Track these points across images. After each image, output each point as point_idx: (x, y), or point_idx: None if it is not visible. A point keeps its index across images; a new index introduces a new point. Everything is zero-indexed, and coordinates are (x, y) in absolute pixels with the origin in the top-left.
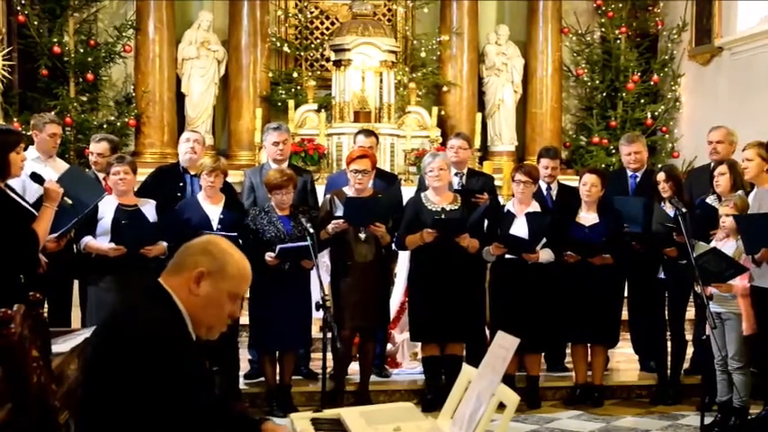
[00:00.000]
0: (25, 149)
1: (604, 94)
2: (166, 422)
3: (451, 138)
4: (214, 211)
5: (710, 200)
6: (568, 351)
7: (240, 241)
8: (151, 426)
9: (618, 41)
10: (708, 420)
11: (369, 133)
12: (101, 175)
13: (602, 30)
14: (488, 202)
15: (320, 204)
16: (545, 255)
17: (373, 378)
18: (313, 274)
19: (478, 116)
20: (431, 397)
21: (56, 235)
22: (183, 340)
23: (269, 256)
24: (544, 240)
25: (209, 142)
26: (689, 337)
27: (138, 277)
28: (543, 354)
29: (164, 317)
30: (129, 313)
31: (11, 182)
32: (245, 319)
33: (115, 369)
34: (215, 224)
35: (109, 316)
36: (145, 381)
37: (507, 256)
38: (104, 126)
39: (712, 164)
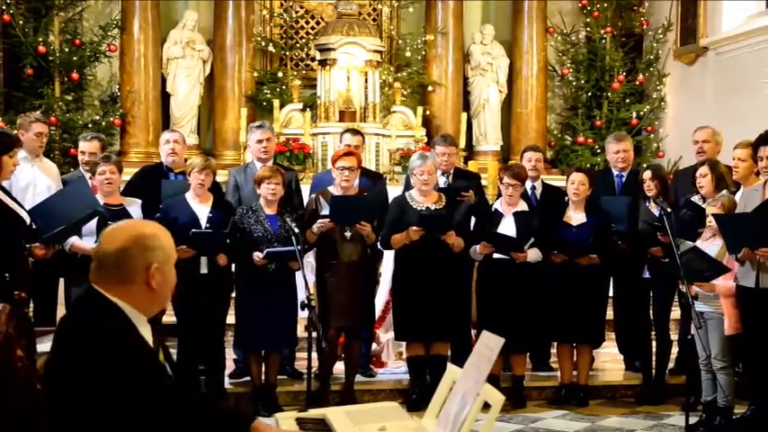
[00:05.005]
0: None
1: (589, 94)
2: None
3: (439, 143)
4: (202, 210)
5: (695, 200)
6: (554, 351)
7: (228, 240)
8: None
9: (603, 41)
10: (693, 420)
11: (355, 132)
12: (87, 175)
13: (588, 29)
14: (473, 199)
15: (306, 204)
16: (533, 254)
17: (358, 378)
18: (298, 273)
19: (463, 116)
20: (416, 397)
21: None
22: (141, 350)
23: (257, 256)
24: (532, 240)
25: (195, 142)
26: (674, 336)
27: None
28: (528, 353)
29: (114, 331)
30: (81, 332)
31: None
32: (230, 319)
33: (78, 394)
34: (203, 223)
35: (60, 336)
36: (116, 400)
37: (495, 255)
38: (89, 126)
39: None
